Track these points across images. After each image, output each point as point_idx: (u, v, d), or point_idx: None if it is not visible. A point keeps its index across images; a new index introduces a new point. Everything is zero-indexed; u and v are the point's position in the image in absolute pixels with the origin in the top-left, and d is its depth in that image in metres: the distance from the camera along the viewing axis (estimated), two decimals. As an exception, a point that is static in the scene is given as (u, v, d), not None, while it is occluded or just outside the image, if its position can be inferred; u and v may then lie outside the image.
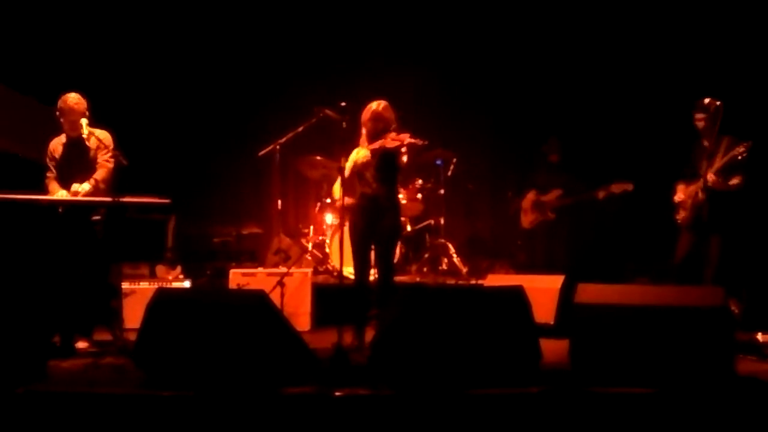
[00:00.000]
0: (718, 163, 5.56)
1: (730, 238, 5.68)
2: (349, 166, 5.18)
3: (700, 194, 5.67)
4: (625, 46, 7.51)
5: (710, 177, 5.54)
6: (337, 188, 5.40)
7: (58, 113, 5.13)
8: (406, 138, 5.06)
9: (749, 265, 6.21)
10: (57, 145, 5.26)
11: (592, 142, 7.52)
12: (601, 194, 6.77)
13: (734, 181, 5.56)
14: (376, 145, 5.08)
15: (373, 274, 5.25)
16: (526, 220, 7.31)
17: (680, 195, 5.82)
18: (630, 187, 6.66)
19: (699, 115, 5.72)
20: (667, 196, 5.94)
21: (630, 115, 7.44)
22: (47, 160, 5.25)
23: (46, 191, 5.16)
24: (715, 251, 5.62)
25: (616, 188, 6.69)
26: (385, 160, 5.13)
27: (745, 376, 4.03)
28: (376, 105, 5.17)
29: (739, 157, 5.45)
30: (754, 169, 5.64)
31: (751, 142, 5.44)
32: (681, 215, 5.82)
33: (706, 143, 5.72)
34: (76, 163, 5.19)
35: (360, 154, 5.16)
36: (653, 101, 7.29)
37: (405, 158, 5.15)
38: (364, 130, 5.20)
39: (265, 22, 8.11)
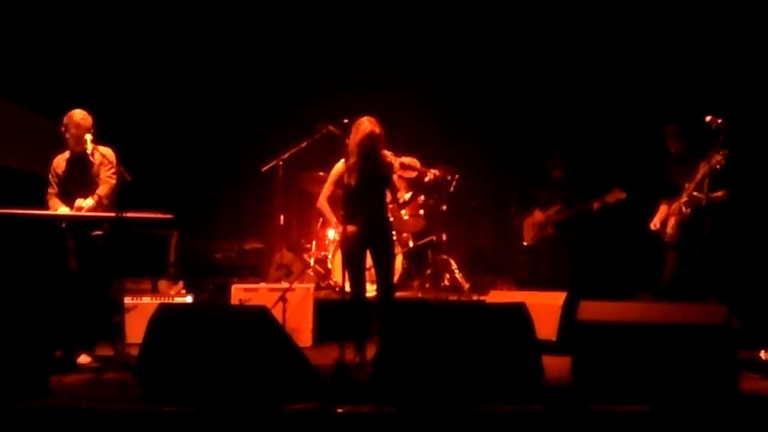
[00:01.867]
0: (699, 175, 5.60)
1: (720, 253, 5.70)
2: (332, 179, 5.19)
3: (684, 209, 5.70)
4: (625, 59, 7.54)
5: (698, 193, 5.58)
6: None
7: (63, 129, 5.15)
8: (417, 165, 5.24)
9: (750, 281, 6.21)
10: (60, 161, 5.27)
11: (595, 156, 7.54)
12: (596, 205, 6.80)
13: (717, 193, 5.60)
14: (412, 174, 5.28)
15: (371, 291, 5.25)
16: (527, 236, 7.32)
17: (660, 215, 5.88)
18: (623, 195, 6.69)
19: (670, 142, 5.91)
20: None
21: (632, 129, 7.44)
22: (50, 176, 5.26)
23: (46, 207, 5.16)
24: (710, 267, 5.64)
25: (611, 198, 6.73)
26: (383, 180, 5.18)
27: (749, 393, 4.01)
28: (371, 125, 5.07)
29: (718, 166, 5.48)
30: (748, 182, 5.69)
31: (728, 150, 5.46)
32: (668, 234, 5.85)
33: (686, 159, 5.76)
34: (80, 180, 5.20)
35: (406, 196, 5.47)
36: (655, 115, 7.29)
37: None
38: (354, 147, 5.10)
39: (267, 38, 8.16)
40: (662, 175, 6.01)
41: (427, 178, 5.38)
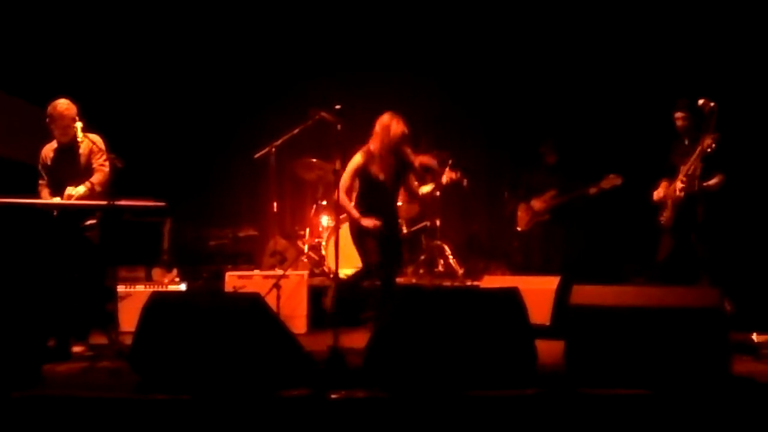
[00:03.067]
0: (692, 158, 5.60)
1: (716, 238, 5.72)
2: (351, 173, 5.31)
3: (678, 193, 5.71)
4: (620, 44, 7.53)
5: (693, 179, 5.58)
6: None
7: (47, 120, 5.10)
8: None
9: (744, 264, 6.23)
10: (48, 151, 5.25)
11: (589, 141, 7.54)
12: (592, 190, 6.84)
13: (712, 181, 5.60)
14: (447, 181, 5.62)
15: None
16: (522, 222, 7.32)
17: (659, 191, 5.85)
18: (619, 181, 6.73)
19: (678, 114, 5.79)
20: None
21: (626, 114, 7.45)
22: (39, 167, 5.24)
23: (38, 198, 5.13)
24: (703, 252, 5.66)
25: (606, 183, 6.77)
26: (406, 176, 5.51)
27: (741, 376, 4.03)
28: (401, 125, 5.29)
29: (708, 150, 5.48)
30: (747, 168, 5.68)
31: (719, 134, 5.45)
32: (664, 216, 5.85)
33: (686, 141, 5.75)
34: (68, 169, 5.17)
35: (426, 189, 5.71)
36: (649, 100, 7.30)
37: None
38: (380, 144, 5.28)
39: (260, 25, 8.12)
40: (664, 154, 5.99)
41: (444, 180, 5.62)
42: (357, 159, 5.33)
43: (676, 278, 5.68)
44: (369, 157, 5.30)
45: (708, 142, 5.45)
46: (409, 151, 5.38)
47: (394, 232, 5.49)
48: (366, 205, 5.34)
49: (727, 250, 5.86)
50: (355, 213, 5.31)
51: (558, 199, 7.08)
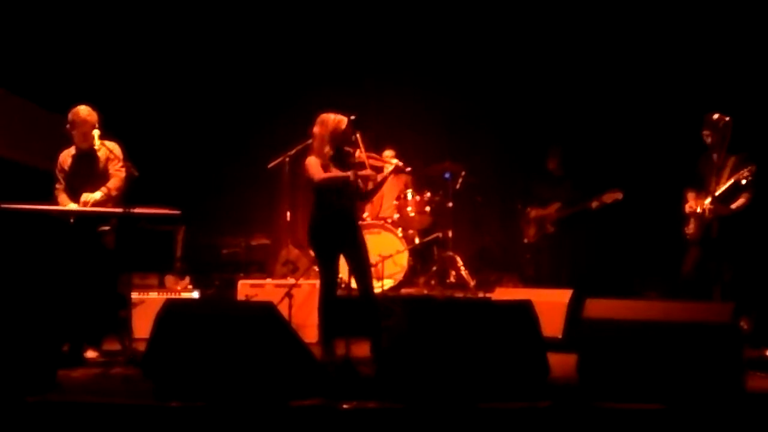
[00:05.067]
0: (723, 183, 5.59)
1: (740, 259, 5.69)
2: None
3: (707, 213, 5.68)
4: (632, 55, 7.54)
5: (718, 202, 5.59)
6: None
7: (69, 126, 5.16)
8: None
9: (759, 281, 6.19)
10: (66, 157, 5.29)
11: (599, 153, 7.54)
12: (595, 204, 6.84)
13: (739, 202, 5.60)
14: (388, 174, 5.21)
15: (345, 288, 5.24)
16: (528, 234, 7.33)
17: (691, 204, 5.83)
18: (620, 195, 6.74)
19: (706, 132, 5.76)
20: (674, 210, 5.95)
21: (637, 125, 7.45)
22: (57, 171, 5.29)
23: (55, 203, 5.19)
24: (726, 274, 5.64)
25: (608, 198, 6.77)
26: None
27: (755, 392, 4.01)
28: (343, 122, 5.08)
29: (743, 182, 5.50)
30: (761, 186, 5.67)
31: (755, 166, 5.48)
32: (690, 229, 5.82)
33: (715, 157, 5.73)
34: (85, 176, 5.22)
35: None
36: (660, 112, 7.30)
37: None
38: (324, 143, 5.07)
39: (275, 34, 8.17)
40: (692, 165, 5.95)
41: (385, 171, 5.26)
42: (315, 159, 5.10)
43: (698, 292, 5.65)
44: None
45: (745, 174, 5.48)
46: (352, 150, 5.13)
47: (351, 238, 5.11)
48: (327, 207, 5.08)
49: (742, 267, 5.82)
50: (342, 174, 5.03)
51: (562, 212, 7.08)
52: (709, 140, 5.76)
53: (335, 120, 5.08)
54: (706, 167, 5.81)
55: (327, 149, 5.07)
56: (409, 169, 5.41)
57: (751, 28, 6.93)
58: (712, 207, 5.67)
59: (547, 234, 7.18)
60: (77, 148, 5.25)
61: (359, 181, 5.08)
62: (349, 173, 4.97)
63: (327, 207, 5.04)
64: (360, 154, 5.13)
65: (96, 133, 5.06)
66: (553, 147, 7.24)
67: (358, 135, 5.07)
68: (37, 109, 6.85)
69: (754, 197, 5.62)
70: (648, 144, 7.30)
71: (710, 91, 6.78)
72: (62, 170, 5.28)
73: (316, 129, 5.13)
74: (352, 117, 5.09)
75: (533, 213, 7.24)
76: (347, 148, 5.12)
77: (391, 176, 5.35)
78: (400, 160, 5.38)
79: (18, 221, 4.77)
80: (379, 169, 5.26)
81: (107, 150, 5.18)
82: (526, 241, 7.37)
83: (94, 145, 5.09)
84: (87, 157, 5.22)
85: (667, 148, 6.98)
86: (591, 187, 6.96)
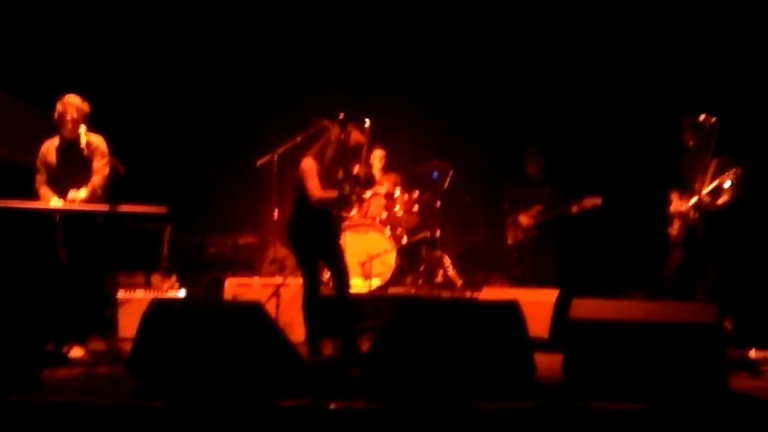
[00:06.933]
0: (708, 183, 5.62)
1: (724, 259, 5.73)
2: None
3: (692, 212, 5.71)
4: (610, 57, 7.60)
5: (704, 198, 5.60)
6: None
7: (60, 114, 5.02)
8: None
9: (742, 281, 6.24)
10: (50, 148, 5.14)
11: (582, 154, 7.57)
12: (575, 209, 6.88)
13: (723, 198, 5.63)
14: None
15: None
16: (510, 235, 7.36)
17: (676, 205, 5.86)
18: (599, 201, 6.76)
19: (688, 135, 5.80)
20: (658, 211, 5.98)
21: (620, 127, 7.49)
22: (38, 163, 5.14)
23: (36, 195, 5.08)
24: (711, 275, 5.67)
25: (587, 203, 6.81)
26: None
27: (739, 392, 4.04)
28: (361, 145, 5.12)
29: (726, 185, 5.56)
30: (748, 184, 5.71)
31: (741, 168, 5.51)
32: (674, 229, 5.85)
33: (698, 157, 5.76)
34: (71, 168, 5.10)
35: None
36: (643, 114, 7.34)
37: None
38: (332, 150, 5.08)
39: (263, 32, 8.14)
40: (674, 166, 5.99)
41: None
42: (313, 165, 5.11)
43: (681, 291, 5.69)
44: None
45: (730, 176, 5.50)
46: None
47: (332, 240, 5.21)
48: (308, 211, 5.09)
49: (726, 267, 5.86)
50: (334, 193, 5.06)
51: (544, 215, 7.12)
52: (691, 143, 5.80)
53: (355, 139, 5.09)
54: (690, 168, 5.84)
55: (329, 155, 5.09)
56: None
57: (728, 31, 6.98)
58: (696, 207, 5.69)
59: (529, 236, 7.21)
60: (63, 139, 5.10)
61: (352, 197, 5.17)
62: (346, 192, 5.01)
63: (308, 211, 5.06)
64: (359, 169, 5.17)
65: (83, 126, 4.96)
66: (529, 150, 7.26)
67: (365, 149, 5.08)
68: (17, 102, 6.74)
69: (737, 198, 5.65)
70: (631, 145, 7.35)
71: (691, 92, 6.84)
72: (44, 161, 5.12)
73: (334, 134, 5.10)
74: (340, 115, 5.09)
75: (514, 215, 7.28)
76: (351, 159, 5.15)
77: (381, 174, 5.39)
78: (389, 159, 5.40)
79: (2, 217, 4.72)
80: (371, 182, 5.31)
81: (93, 143, 5.07)
82: (509, 242, 7.41)
83: (80, 137, 4.94)
84: (72, 149, 5.06)
85: (649, 149, 7.03)
86: (573, 189, 6.99)
